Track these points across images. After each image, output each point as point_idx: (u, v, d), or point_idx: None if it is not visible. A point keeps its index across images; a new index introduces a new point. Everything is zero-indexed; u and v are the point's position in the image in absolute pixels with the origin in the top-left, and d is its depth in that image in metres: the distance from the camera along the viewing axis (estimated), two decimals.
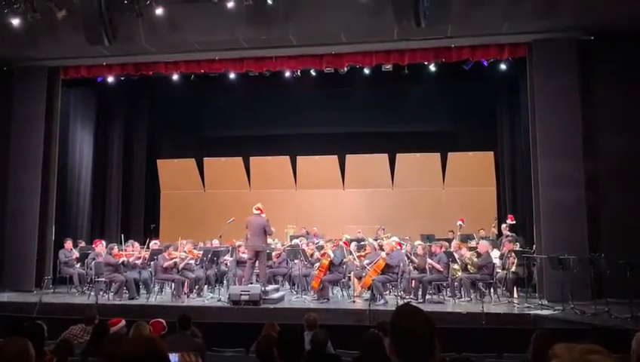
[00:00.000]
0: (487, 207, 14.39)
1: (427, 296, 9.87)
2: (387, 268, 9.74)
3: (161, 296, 10.52)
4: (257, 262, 9.98)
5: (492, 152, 14.66)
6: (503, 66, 11.99)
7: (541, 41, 10.44)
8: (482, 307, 8.42)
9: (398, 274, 9.80)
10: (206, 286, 11.00)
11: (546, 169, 10.29)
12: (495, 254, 10.64)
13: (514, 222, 11.91)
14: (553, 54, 10.37)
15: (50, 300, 9.91)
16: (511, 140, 13.70)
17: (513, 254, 10.27)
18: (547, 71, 10.40)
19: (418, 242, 11.48)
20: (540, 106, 10.44)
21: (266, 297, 9.43)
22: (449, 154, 14.96)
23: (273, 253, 11.37)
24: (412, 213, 14.90)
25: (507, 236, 11.23)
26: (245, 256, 10.59)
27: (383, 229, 13.79)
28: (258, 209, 9.91)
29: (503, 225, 12.03)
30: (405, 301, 9.38)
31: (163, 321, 5.64)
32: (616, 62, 10.37)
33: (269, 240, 11.70)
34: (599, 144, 10.33)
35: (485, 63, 11.82)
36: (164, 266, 10.19)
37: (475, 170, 14.73)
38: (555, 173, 10.15)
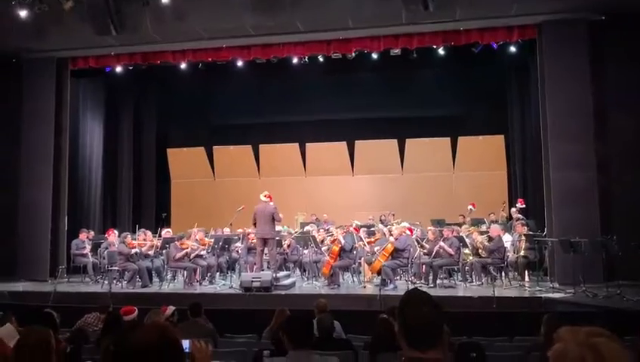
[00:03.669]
0: (498, 191, 14.32)
1: (438, 281, 9.88)
2: (396, 253, 9.75)
3: (174, 284, 10.63)
4: (266, 249, 10.01)
5: (502, 136, 14.55)
6: (512, 49, 11.86)
7: (551, 22, 10.30)
8: (493, 291, 8.42)
9: (408, 258, 9.81)
10: (218, 273, 11.09)
11: (556, 151, 10.21)
12: (507, 238, 10.61)
13: (524, 205, 11.86)
14: (563, 35, 10.23)
15: (65, 289, 10.05)
16: (521, 123, 13.60)
17: (524, 237, 10.24)
18: (557, 52, 10.27)
19: (429, 227, 11.46)
20: (550, 88, 10.33)
21: (277, 283, 9.49)
22: (459, 138, 14.87)
23: (285, 242, 11.39)
24: (422, 198, 14.86)
25: (518, 219, 11.19)
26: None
27: (393, 214, 13.80)
28: (267, 196, 9.93)
29: (513, 209, 11.99)
30: (416, 286, 9.40)
31: (170, 307, 5.70)
32: (627, 43, 10.20)
33: (279, 227, 11.77)
34: (610, 126, 10.22)
35: (494, 46, 11.70)
36: (176, 257, 10.28)
37: (485, 154, 14.65)
38: (566, 156, 10.07)
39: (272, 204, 9.90)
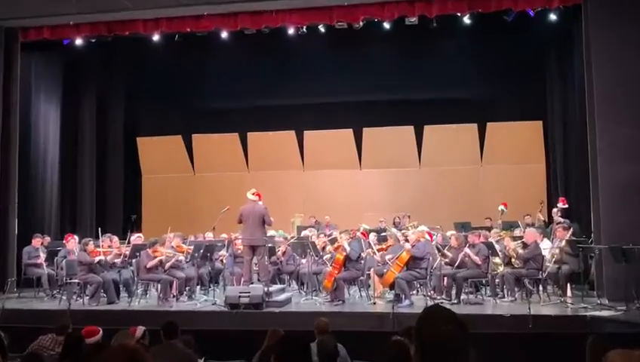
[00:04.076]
0: (535, 189, 14.34)
1: (462, 296, 9.87)
2: (413, 262, 9.75)
3: (146, 300, 10.61)
4: (256, 257, 10.01)
5: (540, 122, 14.55)
6: (552, 16, 11.82)
7: None
8: (529, 308, 8.42)
9: (426, 269, 9.81)
10: (198, 286, 11.08)
11: (606, 139, 10.15)
12: (545, 245, 10.60)
13: (567, 205, 11.85)
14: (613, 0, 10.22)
15: (15, 306, 10.03)
16: (563, 106, 13.57)
17: (566, 244, 10.23)
18: (606, 20, 10.22)
19: (451, 232, 11.46)
20: (599, 63, 10.28)
21: (270, 299, 9.49)
22: (488, 124, 14.88)
23: (279, 249, 11.41)
24: (444, 197, 14.87)
25: (559, 223, 11.17)
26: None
27: (409, 216, 13.80)
28: (255, 194, 9.93)
29: (554, 210, 11.97)
30: (435, 302, 9.40)
31: (140, 328, 5.71)
32: None
33: (271, 232, 11.74)
34: None
35: (531, 13, 11.66)
36: (147, 266, 10.28)
37: (519, 143, 14.65)
38: (619, 144, 10.00)
39: (261, 203, 9.91)
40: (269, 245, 10.70)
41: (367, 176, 15.80)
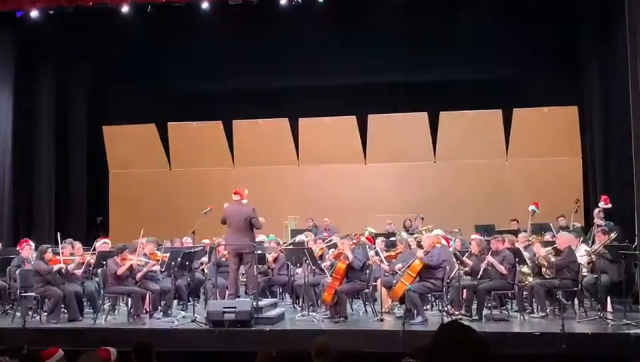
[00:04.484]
0: (570, 186, 14.36)
1: (484, 311, 9.88)
2: (426, 272, 9.74)
3: (114, 316, 10.59)
4: (243, 267, 10.01)
5: (575, 107, 14.55)
6: None
7: None
8: (562, 325, 8.42)
9: (442, 280, 9.81)
10: (175, 301, 11.07)
11: None
12: (582, 251, 10.60)
13: (609, 205, 11.82)
14: None
15: None
16: (603, 89, 13.57)
17: (606, 250, 10.23)
18: None
19: (472, 236, 11.45)
20: None
21: (260, 315, 9.49)
22: (514, 110, 14.87)
23: (269, 256, 11.41)
24: (463, 195, 14.88)
25: (599, 226, 11.17)
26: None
27: (422, 218, 13.81)
28: (237, 193, 9.90)
29: (595, 210, 11.91)
30: (453, 318, 9.40)
31: (111, 350, 5.69)
32: None
33: (260, 237, 11.72)
34: None
35: None
36: (116, 275, 10.26)
37: (551, 132, 14.66)
38: None
39: (245, 202, 9.87)
40: (259, 252, 10.68)
41: (373, 172, 15.81)
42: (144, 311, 10.33)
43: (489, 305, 10.08)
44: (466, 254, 10.53)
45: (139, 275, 10.42)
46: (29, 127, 15.13)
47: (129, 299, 10.37)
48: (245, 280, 10.23)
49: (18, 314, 10.35)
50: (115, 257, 10.47)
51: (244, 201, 9.92)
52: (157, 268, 10.76)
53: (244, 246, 9.82)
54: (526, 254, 10.37)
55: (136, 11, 12.91)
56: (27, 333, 8.83)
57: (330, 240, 12.17)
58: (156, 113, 16.38)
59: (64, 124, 15.83)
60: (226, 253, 10.72)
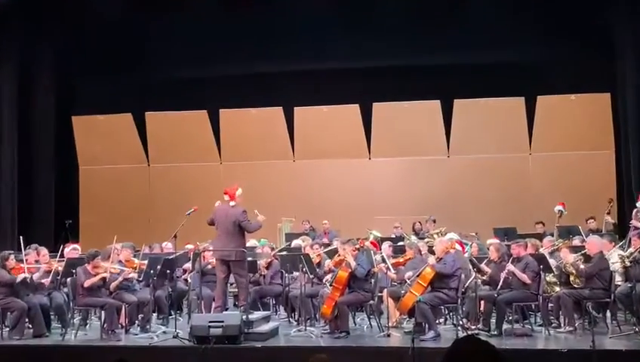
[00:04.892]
0: (602, 183, 14.35)
1: (505, 325, 9.89)
2: (439, 281, 9.74)
3: (85, 332, 10.59)
4: (232, 275, 10.00)
5: (608, 94, 14.54)
6: None
7: None
8: (592, 341, 8.41)
9: (457, 290, 9.81)
10: (155, 314, 11.06)
11: None
12: (615, 257, 10.60)
13: None
14: None
15: None
16: (639, 74, 13.59)
17: None
18: None
19: (491, 240, 11.45)
20: None
21: (250, 330, 9.49)
22: (539, 98, 14.86)
23: (261, 262, 11.40)
24: (480, 194, 14.87)
25: (636, 228, 11.18)
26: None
27: (434, 221, 13.81)
28: (227, 193, 9.86)
29: (635, 210, 11.90)
30: (469, 333, 9.40)
31: None
32: None
33: (253, 242, 11.72)
34: None
35: None
36: (86, 285, 10.25)
37: (580, 123, 14.65)
38: None
39: (232, 204, 9.82)
40: (249, 259, 10.66)
41: (378, 168, 15.82)
42: (119, 325, 10.31)
43: (510, 318, 10.08)
44: (484, 261, 10.54)
45: (113, 285, 10.41)
46: None
47: (102, 313, 10.35)
48: (236, 290, 10.22)
49: None
50: (86, 265, 10.44)
51: (232, 203, 9.87)
52: (134, 276, 10.73)
53: (231, 253, 9.78)
54: (552, 261, 10.37)
55: None
56: None
57: (329, 246, 12.17)
58: (133, 101, 16.37)
59: (28, 113, 15.79)
60: (213, 260, 10.71)
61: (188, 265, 11.77)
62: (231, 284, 10.31)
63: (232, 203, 9.88)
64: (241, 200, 9.91)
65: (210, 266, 11.04)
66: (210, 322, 9.30)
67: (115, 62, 15.97)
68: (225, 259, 9.84)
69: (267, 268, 11.47)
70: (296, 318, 11.05)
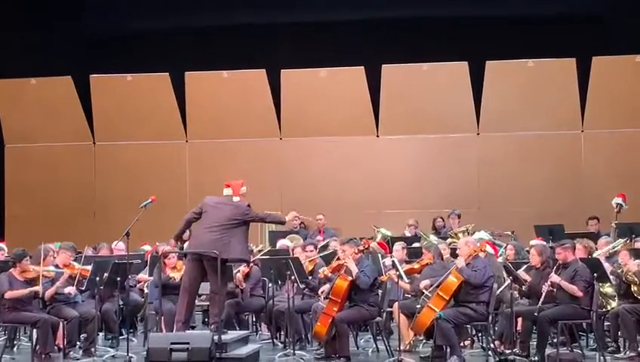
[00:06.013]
0: None
1: (548, 349, 9.94)
2: (465, 293, 9.78)
3: (12, 356, 10.65)
4: (209, 281, 9.90)
5: None
6: None
7: None
8: None
9: (488, 304, 9.86)
10: (102, 333, 11.11)
11: None
12: None
13: None
14: None
15: None
16: None
17: None
18: None
19: (532, 241, 11.49)
20: None
21: (224, 354, 9.53)
22: (593, 59, 14.86)
23: (238, 270, 11.37)
24: (517, 182, 14.90)
25: None
26: (178, 274, 10.65)
27: (459, 216, 13.84)
28: (231, 186, 9.74)
29: None
30: (503, 358, 9.46)
31: None
32: None
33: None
34: None
35: None
36: (12, 296, 10.26)
37: None
38: None
39: (237, 200, 9.71)
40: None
41: (388, 148, 15.83)
42: (56, 347, 10.35)
43: (555, 340, 10.14)
44: (523, 267, 10.58)
45: (48, 293, 10.37)
46: None
47: (34, 331, 10.39)
48: (207, 303, 10.22)
49: None
50: (12, 269, 10.45)
51: (237, 199, 9.74)
52: (71, 289, 10.64)
53: (220, 249, 9.37)
54: (608, 267, 10.41)
55: None
56: None
57: (325, 247, 12.21)
58: (73, 62, 16.34)
59: None
60: (175, 274, 10.72)
61: (144, 273, 11.78)
62: (199, 297, 10.29)
63: (235, 198, 9.78)
64: (245, 199, 9.81)
65: (172, 277, 11.01)
66: (172, 344, 9.31)
67: (50, 14, 15.94)
68: (207, 256, 9.54)
69: (245, 278, 11.46)
70: (282, 339, 11.11)
